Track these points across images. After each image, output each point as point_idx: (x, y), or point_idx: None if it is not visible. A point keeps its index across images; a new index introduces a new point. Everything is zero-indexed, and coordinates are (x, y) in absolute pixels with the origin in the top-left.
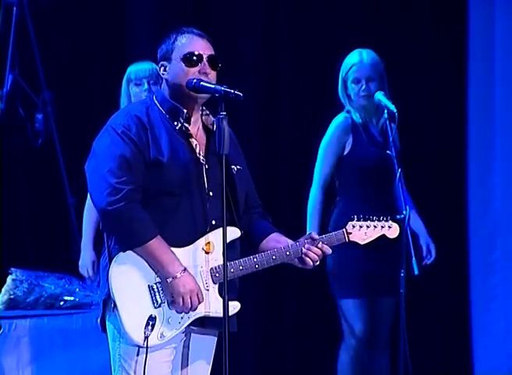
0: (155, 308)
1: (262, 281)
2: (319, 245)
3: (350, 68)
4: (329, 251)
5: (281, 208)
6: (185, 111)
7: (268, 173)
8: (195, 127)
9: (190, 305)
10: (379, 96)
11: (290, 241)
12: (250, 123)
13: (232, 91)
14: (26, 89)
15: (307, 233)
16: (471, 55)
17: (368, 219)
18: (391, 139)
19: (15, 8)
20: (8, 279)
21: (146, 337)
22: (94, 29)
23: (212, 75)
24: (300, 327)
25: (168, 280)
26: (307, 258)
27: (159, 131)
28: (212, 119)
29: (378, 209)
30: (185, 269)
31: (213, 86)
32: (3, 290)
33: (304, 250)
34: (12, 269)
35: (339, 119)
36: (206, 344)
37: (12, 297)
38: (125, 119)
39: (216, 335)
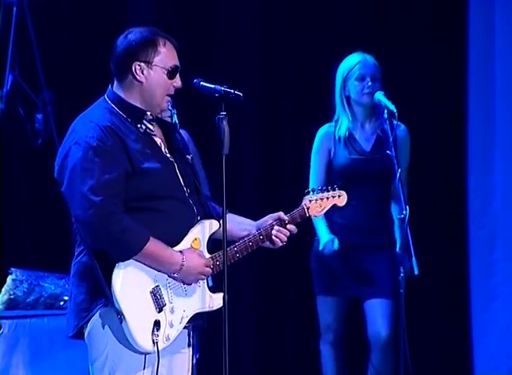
0: (158, 312)
1: (260, 277)
2: (288, 226)
3: (354, 66)
4: (296, 230)
5: (283, 207)
6: (148, 113)
7: (268, 173)
8: (154, 125)
9: (208, 275)
10: (379, 96)
11: (248, 220)
12: (250, 123)
13: (232, 91)
14: (26, 89)
15: (274, 214)
16: (471, 55)
17: (321, 190)
18: (391, 139)
19: (15, 8)
20: (8, 279)
21: (156, 343)
22: (94, 29)
23: None
24: (298, 322)
25: (177, 275)
26: (277, 239)
27: (130, 138)
28: (168, 112)
29: (371, 210)
30: (181, 252)
31: (213, 86)
32: (3, 290)
33: (274, 232)
34: (12, 269)
35: (323, 129)
36: (181, 337)
37: (12, 297)
38: (97, 132)
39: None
